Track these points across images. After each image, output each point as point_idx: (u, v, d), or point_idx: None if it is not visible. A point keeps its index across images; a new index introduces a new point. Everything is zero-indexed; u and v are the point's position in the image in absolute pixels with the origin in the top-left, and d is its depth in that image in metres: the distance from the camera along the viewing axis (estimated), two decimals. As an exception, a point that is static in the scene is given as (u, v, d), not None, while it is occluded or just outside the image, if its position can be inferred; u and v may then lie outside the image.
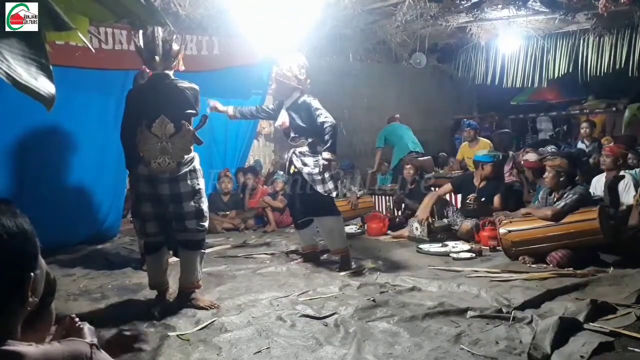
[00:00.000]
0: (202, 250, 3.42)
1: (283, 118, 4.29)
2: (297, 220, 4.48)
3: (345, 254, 4.31)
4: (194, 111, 3.27)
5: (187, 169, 3.24)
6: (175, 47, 3.27)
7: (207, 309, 3.22)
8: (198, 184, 3.30)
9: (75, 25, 1.58)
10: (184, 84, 3.25)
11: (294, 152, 4.28)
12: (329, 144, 4.07)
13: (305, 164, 4.18)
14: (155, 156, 3.17)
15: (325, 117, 4.12)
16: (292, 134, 4.29)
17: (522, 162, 6.13)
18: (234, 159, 6.94)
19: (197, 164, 3.32)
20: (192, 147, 3.30)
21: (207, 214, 3.36)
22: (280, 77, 4.25)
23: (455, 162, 7.67)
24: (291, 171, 4.32)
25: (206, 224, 3.36)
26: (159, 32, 3.19)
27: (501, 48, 7.14)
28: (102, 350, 1.12)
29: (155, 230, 3.36)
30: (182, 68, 3.54)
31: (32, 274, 1.05)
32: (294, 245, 5.24)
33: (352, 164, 7.55)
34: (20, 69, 1.12)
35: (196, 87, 3.29)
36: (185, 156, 3.23)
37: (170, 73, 3.29)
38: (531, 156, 5.79)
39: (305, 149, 4.22)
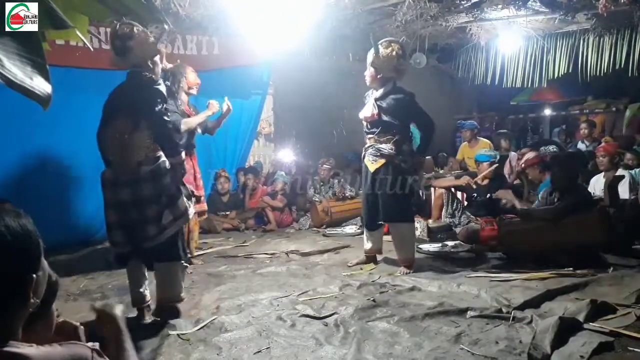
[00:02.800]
0: (178, 262, 3.12)
1: (372, 109, 4.05)
2: (371, 222, 4.25)
3: (411, 262, 4.13)
4: (154, 102, 3.01)
5: (149, 169, 2.97)
6: (127, 41, 2.99)
7: (192, 316, 3.06)
8: (164, 185, 3.01)
9: (74, 24, 1.58)
10: (150, 82, 3.04)
11: (378, 149, 4.07)
12: (422, 147, 4.13)
13: (391, 164, 4.01)
14: (114, 155, 2.99)
15: (428, 118, 4.11)
16: (377, 128, 4.08)
17: (521, 165, 6.12)
18: (234, 159, 6.93)
19: (164, 163, 3.04)
20: (154, 145, 3.02)
21: (171, 218, 3.02)
22: (378, 65, 4.05)
23: (454, 162, 7.67)
24: (372, 169, 4.09)
25: (171, 229, 3.02)
26: (115, 26, 3.00)
27: (501, 48, 7.13)
28: (104, 355, 1.12)
29: (121, 240, 3.06)
30: (167, 66, 3.47)
31: (34, 275, 1.05)
32: (294, 245, 5.25)
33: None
34: (15, 69, 1.11)
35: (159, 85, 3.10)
36: (144, 154, 2.97)
37: (146, 69, 3.05)
38: (529, 154, 5.79)
39: (390, 146, 4.02)
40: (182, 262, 3.18)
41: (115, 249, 3.17)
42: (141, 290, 3.18)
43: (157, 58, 3.15)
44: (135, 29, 3.00)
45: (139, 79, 3.07)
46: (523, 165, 5.49)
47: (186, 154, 3.78)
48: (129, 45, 2.99)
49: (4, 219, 1.02)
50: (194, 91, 4.28)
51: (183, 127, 3.97)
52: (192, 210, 3.35)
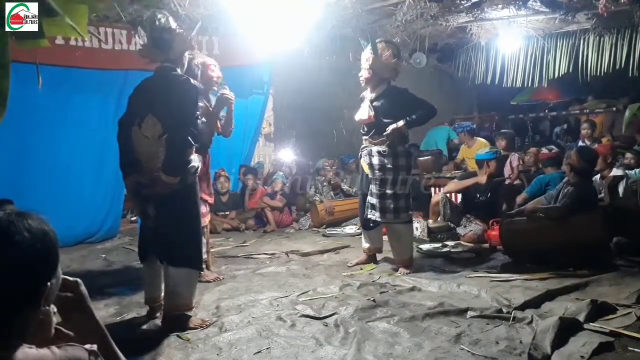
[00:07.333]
0: (197, 270, 3.04)
1: (368, 112, 4.03)
2: (366, 222, 4.25)
3: (409, 262, 4.14)
4: (190, 110, 2.90)
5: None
6: (169, 34, 2.90)
7: (196, 329, 2.93)
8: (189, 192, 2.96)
9: (74, 15, 1.58)
10: (184, 78, 2.91)
11: (370, 151, 4.07)
12: (412, 118, 3.95)
13: (383, 165, 4.01)
14: (146, 159, 2.87)
15: (429, 104, 4.02)
16: (372, 130, 4.06)
17: (521, 163, 6.14)
18: (238, 159, 6.94)
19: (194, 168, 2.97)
20: (191, 153, 2.94)
21: (197, 223, 3.02)
22: (376, 67, 4.01)
23: (453, 163, 7.70)
24: (366, 170, 4.12)
25: (192, 235, 2.98)
26: (153, 17, 2.91)
27: (501, 48, 7.14)
28: (101, 356, 1.11)
29: (146, 237, 3.11)
30: (198, 61, 3.37)
31: (48, 283, 1.05)
32: (294, 245, 5.25)
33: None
34: None
35: (196, 83, 3.03)
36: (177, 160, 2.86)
37: (178, 65, 2.97)
38: (547, 149, 5.82)
39: (384, 147, 4.01)
40: (194, 269, 3.03)
41: (140, 243, 3.21)
42: (155, 291, 3.15)
43: (187, 53, 3.08)
44: (171, 19, 2.92)
45: (175, 77, 2.90)
46: (542, 157, 5.53)
47: (202, 155, 3.44)
48: (169, 38, 2.90)
49: (30, 226, 1.02)
50: (216, 87, 3.83)
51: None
52: (207, 218, 3.33)
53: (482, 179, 5.30)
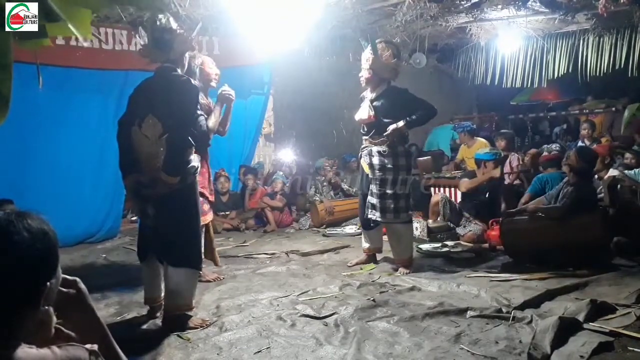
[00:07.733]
0: (197, 270, 3.06)
1: (368, 112, 4.04)
2: (366, 222, 4.26)
3: (409, 262, 4.14)
4: (190, 110, 2.91)
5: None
6: (170, 34, 2.93)
7: (196, 328, 2.94)
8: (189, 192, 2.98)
9: (77, 19, 1.59)
10: (184, 78, 2.93)
11: (371, 151, 4.09)
12: (412, 119, 3.96)
13: (383, 165, 4.02)
14: (146, 159, 2.88)
15: (429, 104, 4.05)
16: (373, 130, 4.08)
17: (520, 163, 6.16)
18: (238, 159, 6.94)
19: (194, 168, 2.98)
20: (191, 153, 2.94)
21: (196, 223, 3.04)
22: (376, 67, 4.03)
23: (453, 163, 7.70)
24: (367, 170, 4.13)
25: (192, 235, 3.00)
26: (154, 17, 2.94)
27: (501, 48, 7.13)
28: (101, 356, 1.12)
29: (145, 235, 3.12)
30: (198, 61, 3.37)
31: (48, 283, 1.05)
32: (294, 245, 5.25)
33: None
34: None
35: (195, 83, 3.04)
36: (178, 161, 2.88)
37: (178, 66, 3.00)
38: (547, 151, 5.83)
39: (384, 148, 4.02)
40: (194, 269, 3.03)
41: (139, 242, 3.21)
42: (154, 291, 3.16)
43: (187, 53, 3.10)
44: (172, 20, 2.96)
45: (175, 77, 2.92)
46: (542, 159, 5.53)
47: (202, 156, 3.40)
48: (169, 39, 2.94)
49: (29, 226, 1.03)
50: (214, 83, 3.82)
51: (211, 126, 3.50)
52: (209, 217, 3.34)
53: (496, 172, 5.28)
